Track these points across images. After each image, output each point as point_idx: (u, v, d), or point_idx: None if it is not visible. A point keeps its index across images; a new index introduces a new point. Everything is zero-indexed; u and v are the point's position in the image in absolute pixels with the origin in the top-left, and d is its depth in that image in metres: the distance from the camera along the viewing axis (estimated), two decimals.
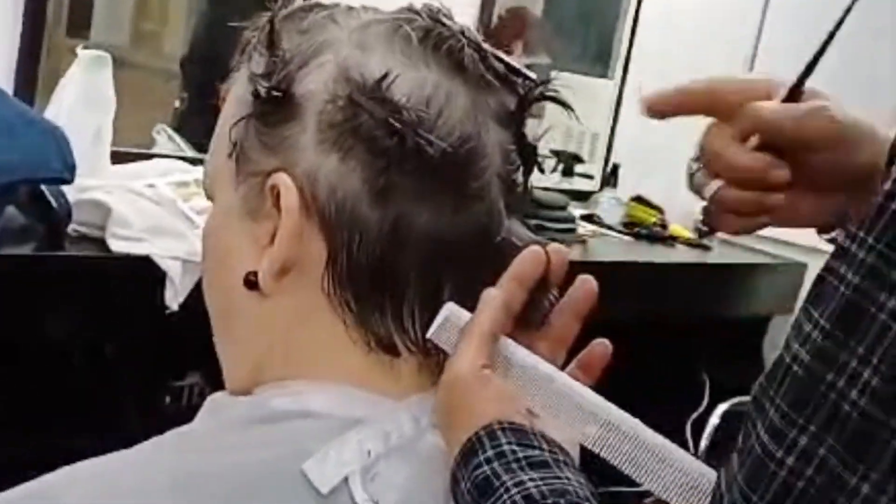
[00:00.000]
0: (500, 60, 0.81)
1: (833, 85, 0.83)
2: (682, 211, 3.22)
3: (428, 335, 0.76)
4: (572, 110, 0.86)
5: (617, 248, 3.02)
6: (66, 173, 1.63)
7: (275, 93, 0.76)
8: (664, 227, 3.18)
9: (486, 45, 0.80)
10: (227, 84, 0.81)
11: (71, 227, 1.78)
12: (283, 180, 0.75)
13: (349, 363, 0.78)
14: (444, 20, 0.79)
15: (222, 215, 0.81)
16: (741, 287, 3.18)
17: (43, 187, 1.70)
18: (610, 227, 3.12)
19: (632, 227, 3.15)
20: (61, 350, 1.80)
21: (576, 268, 2.65)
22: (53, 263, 1.75)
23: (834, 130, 0.79)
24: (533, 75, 0.83)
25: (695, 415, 3.05)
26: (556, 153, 3.33)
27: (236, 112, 0.78)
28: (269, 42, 0.77)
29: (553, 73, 0.84)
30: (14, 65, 2.10)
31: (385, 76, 0.74)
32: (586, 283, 0.81)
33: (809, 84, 0.82)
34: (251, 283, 0.77)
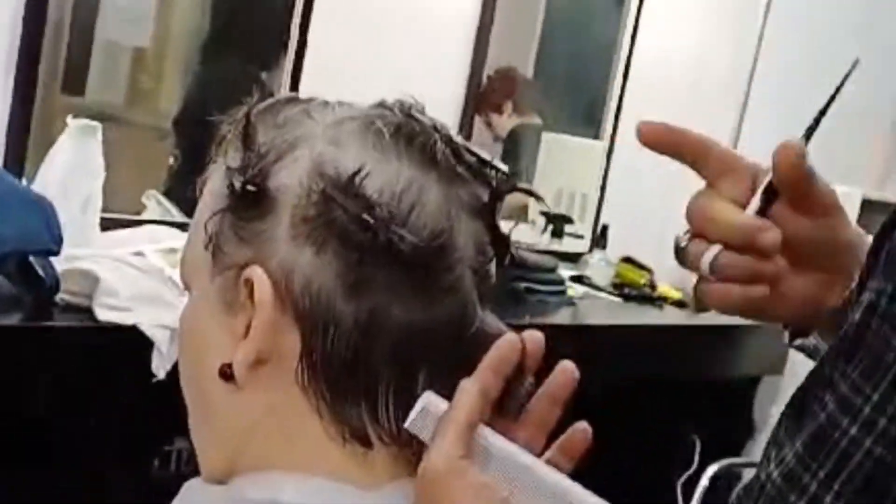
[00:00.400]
0: (472, 153, 0.82)
1: None
2: (671, 271, 3.23)
3: (405, 425, 0.77)
4: (542, 200, 0.87)
5: (606, 310, 3.03)
6: (54, 245, 1.64)
7: (249, 187, 0.77)
8: (653, 287, 3.19)
9: (457, 139, 0.82)
10: (204, 176, 0.83)
11: (59, 297, 1.79)
12: (257, 274, 0.76)
13: (324, 454, 0.78)
14: (417, 115, 0.81)
15: (199, 306, 0.82)
16: (730, 348, 3.19)
17: (31, 258, 1.71)
18: (599, 288, 3.13)
19: (621, 288, 3.16)
20: (48, 418, 1.80)
21: (566, 330, 2.66)
22: (41, 333, 1.75)
23: (832, 197, 0.81)
24: (504, 167, 0.84)
25: (685, 476, 3.05)
26: (546, 215, 3.35)
27: (213, 204, 0.79)
28: (245, 136, 0.79)
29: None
30: (5, 129, 2.12)
31: (358, 171, 0.75)
32: (565, 370, 0.80)
33: None
34: (226, 374, 0.78)
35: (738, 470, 2.80)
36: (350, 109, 0.81)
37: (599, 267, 3.22)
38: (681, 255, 0.82)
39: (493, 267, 0.82)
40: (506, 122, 3.43)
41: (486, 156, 0.83)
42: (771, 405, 3.13)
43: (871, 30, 3.50)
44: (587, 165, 3.53)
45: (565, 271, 3.03)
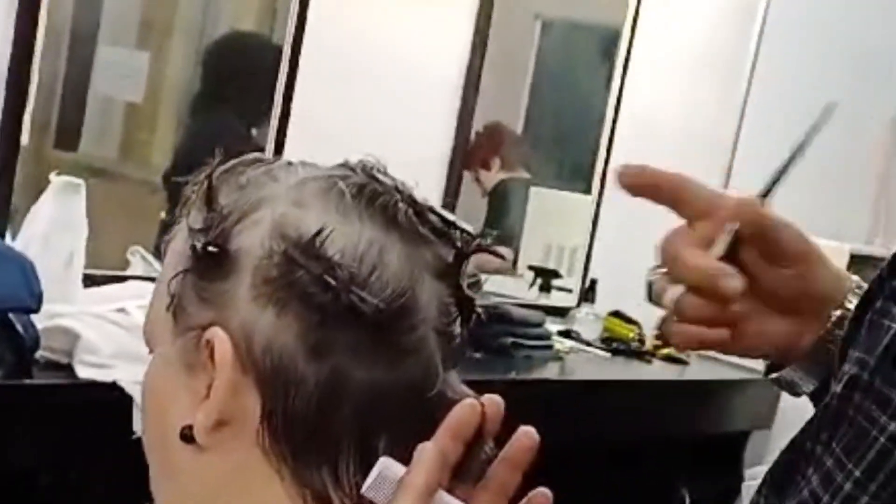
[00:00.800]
0: (436, 214, 0.82)
1: None
2: None
3: (362, 491, 0.76)
4: (507, 260, 0.88)
5: (594, 365, 3.02)
6: (33, 303, 1.65)
7: (211, 248, 0.77)
8: (642, 342, 3.19)
9: (421, 199, 0.82)
10: (168, 236, 0.83)
11: (39, 354, 1.79)
12: (217, 335, 0.76)
13: None
14: (379, 176, 0.81)
15: (161, 366, 0.81)
16: (719, 403, 3.18)
17: (11, 315, 1.71)
18: (587, 343, 3.13)
19: (609, 343, 3.16)
20: (29, 475, 1.79)
21: (553, 385, 2.65)
22: (21, 391, 1.75)
23: (805, 246, 0.83)
24: (470, 228, 0.84)
25: None
26: (534, 269, 3.35)
27: (175, 265, 0.79)
28: (207, 197, 0.79)
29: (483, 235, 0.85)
30: None
31: (319, 232, 0.75)
32: (526, 435, 0.80)
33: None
34: (187, 436, 0.78)
35: None
36: (313, 170, 0.81)
37: (587, 321, 3.22)
38: (649, 290, 0.83)
39: (457, 328, 0.82)
40: (494, 177, 3.44)
41: (449, 217, 0.83)
42: (760, 460, 3.12)
43: (859, 83, 3.52)
44: (575, 220, 3.54)
45: (553, 326, 3.03)
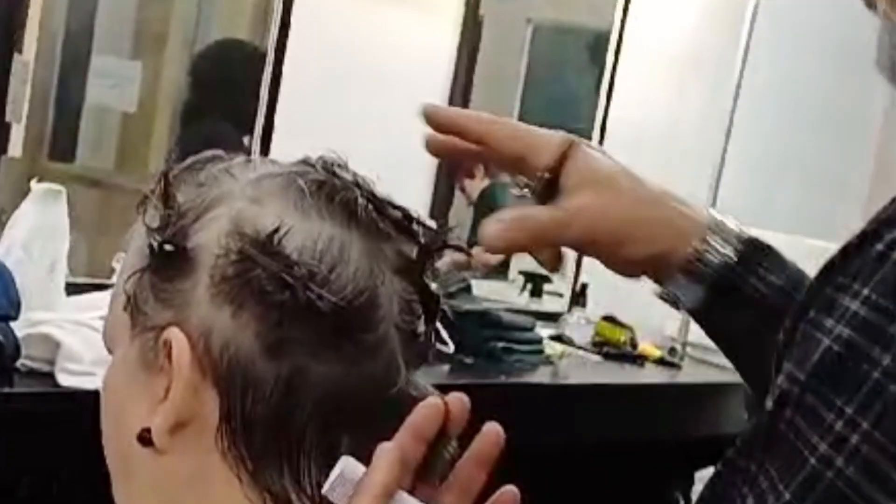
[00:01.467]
0: (397, 208, 0.81)
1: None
2: (652, 330, 3.22)
3: (323, 491, 0.75)
4: (471, 256, 0.87)
5: (586, 369, 3.01)
6: (11, 310, 1.63)
7: (168, 247, 0.76)
8: (634, 346, 3.17)
9: (381, 195, 0.81)
10: (127, 236, 0.82)
11: (20, 363, 1.77)
12: (175, 335, 0.75)
13: None
14: (339, 172, 0.80)
15: (119, 369, 0.80)
16: (712, 406, 3.17)
17: None
18: (579, 347, 3.11)
19: (601, 347, 3.14)
20: (10, 485, 1.77)
21: (544, 389, 2.63)
22: (1, 400, 1.73)
23: (591, 234, 0.86)
24: (432, 224, 0.83)
25: None
26: (525, 274, 3.35)
27: (133, 264, 0.78)
28: (164, 196, 0.78)
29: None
30: None
31: (277, 230, 0.74)
32: (491, 433, 0.79)
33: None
34: (145, 439, 0.77)
35: None
36: (271, 167, 0.80)
37: (579, 326, 3.21)
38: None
39: (421, 326, 0.81)
40: (479, 185, 3.44)
41: (412, 212, 0.82)
42: None
43: (848, 82, 3.52)
44: None
45: (544, 330, 3.01)
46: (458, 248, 0.85)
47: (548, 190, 0.86)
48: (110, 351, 0.83)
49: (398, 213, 0.81)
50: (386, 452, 0.73)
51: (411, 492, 0.75)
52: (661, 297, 0.94)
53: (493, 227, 0.81)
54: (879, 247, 0.64)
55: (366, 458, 0.75)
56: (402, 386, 0.78)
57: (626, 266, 0.91)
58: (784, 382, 0.66)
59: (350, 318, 0.75)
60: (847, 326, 0.64)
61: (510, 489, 0.79)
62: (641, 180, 0.91)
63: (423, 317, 0.81)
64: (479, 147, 0.87)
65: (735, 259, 0.91)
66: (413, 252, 0.80)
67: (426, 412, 0.76)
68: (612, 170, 0.89)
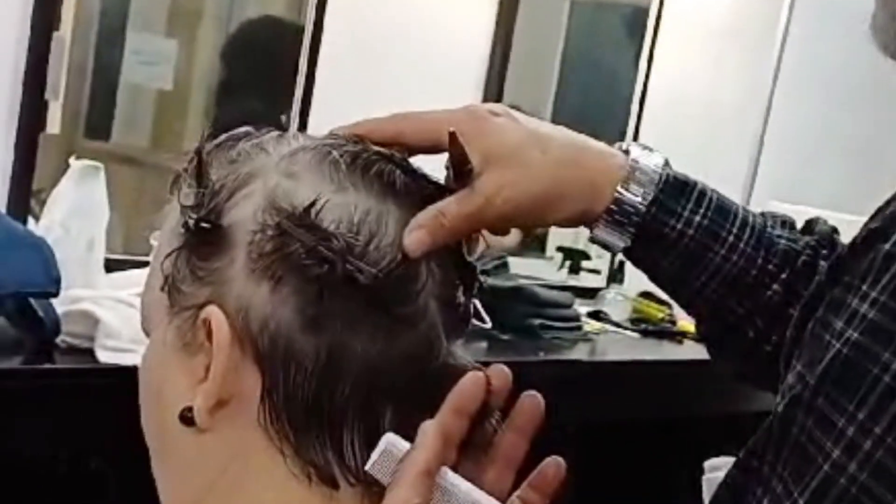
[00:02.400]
0: (430, 181, 0.81)
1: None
2: None
3: (367, 468, 0.74)
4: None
5: (624, 346, 3.00)
6: (51, 287, 1.64)
7: (203, 224, 0.75)
8: (672, 322, 3.16)
9: (416, 167, 0.80)
10: (161, 217, 0.81)
11: (60, 339, 1.78)
12: (214, 313, 0.74)
13: (289, 495, 0.76)
14: (370, 145, 0.79)
15: (158, 349, 0.79)
16: None
17: (31, 300, 1.71)
18: (617, 324, 3.10)
19: (639, 324, 3.13)
20: (49, 461, 1.79)
21: (583, 366, 2.62)
22: (41, 376, 1.75)
23: (513, 210, 0.84)
24: None
25: None
26: (563, 250, 3.33)
27: (169, 244, 0.78)
28: (198, 173, 0.77)
29: None
30: (9, 173, 2.12)
31: (313, 203, 0.74)
32: (531, 400, 0.78)
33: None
34: (186, 418, 0.76)
35: None
36: (305, 140, 0.80)
37: (616, 302, 3.19)
38: None
39: (459, 296, 0.80)
40: None
41: (446, 184, 0.81)
42: None
43: (884, 64, 3.47)
44: None
45: (582, 307, 3.00)
46: None
47: (462, 173, 0.83)
48: (147, 333, 0.82)
49: (432, 185, 0.80)
50: (429, 430, 0.72)
51: (455, 467, 0.74)
52: (593, 242, 0.93)
53: (413, 236, 0.77)
54: (887, 246, 0.63)
55: (409, 431, 0.74)
56: (444, 357, 0.77)
57: (557, 225, 0.91)
58: (795, 384, 0.66)
59: (389, 290, 0.74)
60: (855, 329, 0.63)
61: (555, 459, 0.78)
62: (553, 140, 0.88)
63: (460, 287, 0.80)
64: (399, 147, 0.85)
65: (648, 202, 0.90)
66: None
67: (469, 386, 0.75)
68: (520, 138, 0.86)
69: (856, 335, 0.63)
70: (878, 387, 0.60)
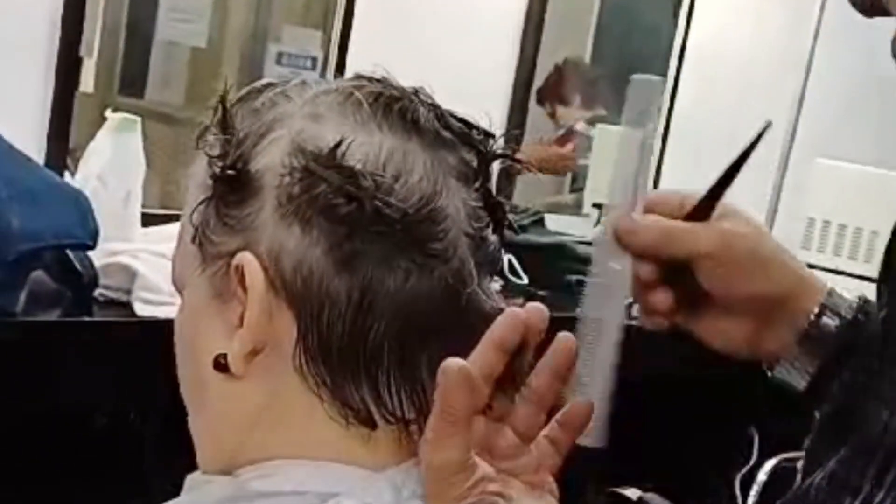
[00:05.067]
0: (456, 118, 0.80)
1: None
2: None
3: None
4: (529, 169, 0.87)
5: None
6: (90, 240, 1.65)
7: (230, 172, 0.76)
8: None
9: (438, 105, 0.80)
10: (189, 171, 0.81)
11: (98, 292, 1.79)
12: (246, 260, 0.74)
13: (326, 438, 0.76)
14: (393, 83, 0.79)
15: (191, 301, 0.80)
16: None
17: (69, 252, 1.71)
18: None
19: None
20: (87, 413, 1.80)
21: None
22: (80, 328, 1.76)
23: (728, 247, 0.87)
24: (492, 131, 0.82)
25: (744, 470, 3.00)
26: (599, 206, 3.31)
27: (197, 196, 0.78)
28: (223, 123, 0.78)
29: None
30: (46, 127, 2.13)
31: (339, 144, 0.74)
32: (566, 342, 0.77)
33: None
34: (221, 365, 0.76)
35: (795, 464, 2.74)
36: (327, 84, 0.80)
37: None
38: None
39: (489, 234, 0.80)
40: (573, 113, 3.39)
41: (471, 119, 0.81)
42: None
43: None
44: None
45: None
46: (518, 160, 0.84)
47: (706, 205, 0.89)
48: (180, 290, 0.82)
49: (458, 122, 0.80)
50: (452, 372, 0.70)
51: (489, 404, 0.74)
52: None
53: (626, 218, 0.84)
54: None
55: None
56: (475, 294, 0.77)
57: (738, 303, 0.91)
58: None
59: (418, 227, 0.74)
60: None
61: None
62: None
63: (490, 224, 0.80)
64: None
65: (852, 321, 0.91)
66: (474, 160, 0.79)
67: (507, 324, 0.74)
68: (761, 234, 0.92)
69: None
70: None
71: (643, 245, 0.87)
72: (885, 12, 0.76)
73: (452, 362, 0.69)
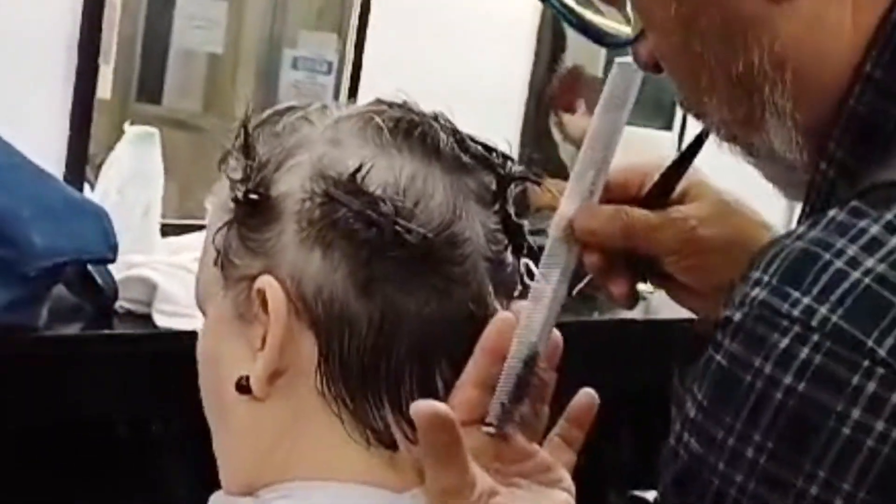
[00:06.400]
0: (475, 142, 0.81)
1: None
2: None
3: None
4: (549, 189, 0.87)
5: (678, 305, 2.97)
6: (109, 254, 1.66)
7: (252, 196, 0.76)
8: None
9: (459, 129, 0.81)
10: (211, 193, 0.82)
11: (118, 305, 1.80)
12: (268, 283, 0.75)
13: (349, 460, 0.77)
14: (415, 108, 0.80)
15: (214, 323, 0.81)
16: None
17: (89, 267, 1.73)
18: None
19: None
20: (109, 425, 1.81)
21: (638, 325, 2.60)
22: (101, 341, 1.77)
23: (692, 241, 0.84)
24: (511, 154, 0.83)
25: None
26: None
27: (219, 220, 0.79)
28: (245, 147, 0.78)
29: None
30: (66, 140, 2.14)
31: (359, 168, 0.74)
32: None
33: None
34: (243, 387, 0.77)
35: None
36: (347, 110, 0.81)
37: None
38: None
39: (508, 256, 0.81)
40: (579, 121, 3.39)
41: (490, 143, 0.82)
42: None
43: None
44: (657, 156, 3.48)
45: None
46: (538, 182, 0.85)
47: (660, 196, 0.85)
48: (203, 312, 0.83)
49: (478, 146, 0.81)
50: (423, 416, 0.70)
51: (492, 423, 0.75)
52: None
53: (586, 212, 0.81)
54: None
55: None
56: (493, 315, 0.78)
57: (709, 289, 0.87)
58: None
59: (438, 251, 0.75)
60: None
61: (588, 392, 0.81)
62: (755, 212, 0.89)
63: (508, 247, 0.81)
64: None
65: None
66: (493, 183, 0.80)
67: (499, 328, 0.76)
68: (726, 198, 0.88)
69: None
70: None
71: (601, 244, 0.84)
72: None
73: (423, 405, 0.70)
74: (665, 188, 0.85)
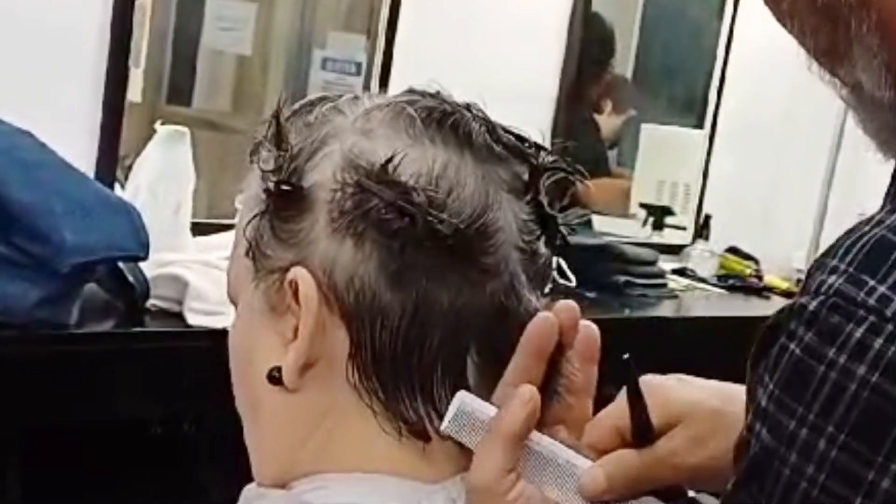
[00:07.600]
0: (508, 132, 0.80)
1: None
2: (778, 261, 3.15)
3: (441, 429, 0.74)
4: (583, 181, 0.85)
5: (710, 302, 2.97)
6: (141, 251, 1.67)
7: (284, 187, 0.76)
8: (759, 278, 3.12)
9: (492, 119, 0.80)
10: (243, 185, 0.82)
11: (150, 302, 1.81)
12: (300, 274, 0.74)
13: (381, 452, 0.76)
14: (447, 98, 0.79)
15: (246, 315, 0.80)
16: None
17: (120, 264, 1.73)
18: (703, 280, 3.07)
19: (725, 280, 3.09)
20: (142, 423, 1.82)
21: (668, 323, 2.60)
22: (132, 339, 1.77)
23: (686, 469, 0.80)
24: (544, 144, 0.82)
25: None
26: (646, 207, 3.29)
27: (251, 211, 0.78)
28: (277, 138, 0.78)
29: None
30: (97, 139, 2.15)
31: (391, 159, 0.74)
32: (586, 329, 0.79)
33: None
34: (275, 378, 0.77)
35: None
36: (379, 100, 0.80)
37: (702, 258, 3.16)
38: None
39: (541, 247, 0.80)
40: (606, 120, 3.39)
41: (523, 133, 0.81)
42: None
43: None
44: (688, 155, 3.46)
45: (667, 264, 2.98)
46: (570, 172, 0.84)
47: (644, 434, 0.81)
48: (234, 303, 0.82)
49: (510, 136, 0.80)
50: (519, 394, 0.72)
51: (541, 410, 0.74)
52: None
53: (593, 473, 0.76)
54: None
55: (492, 380, 0.76)
56: (525, 306, 0.77)
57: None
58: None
59: (470, 241, 0.74)
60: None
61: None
62: (733, 389, 0.84)
63: (542, 238, 0.80)
64: None
65: None
66: (525, 173, 0.79)
67: (541, 329, 0.75)
68: (700, 394, 0.83)
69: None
70: None
71: (616, 497, 0.79)
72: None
73: (528, 389, 0.71)
74: (641, 427, 0.81)
